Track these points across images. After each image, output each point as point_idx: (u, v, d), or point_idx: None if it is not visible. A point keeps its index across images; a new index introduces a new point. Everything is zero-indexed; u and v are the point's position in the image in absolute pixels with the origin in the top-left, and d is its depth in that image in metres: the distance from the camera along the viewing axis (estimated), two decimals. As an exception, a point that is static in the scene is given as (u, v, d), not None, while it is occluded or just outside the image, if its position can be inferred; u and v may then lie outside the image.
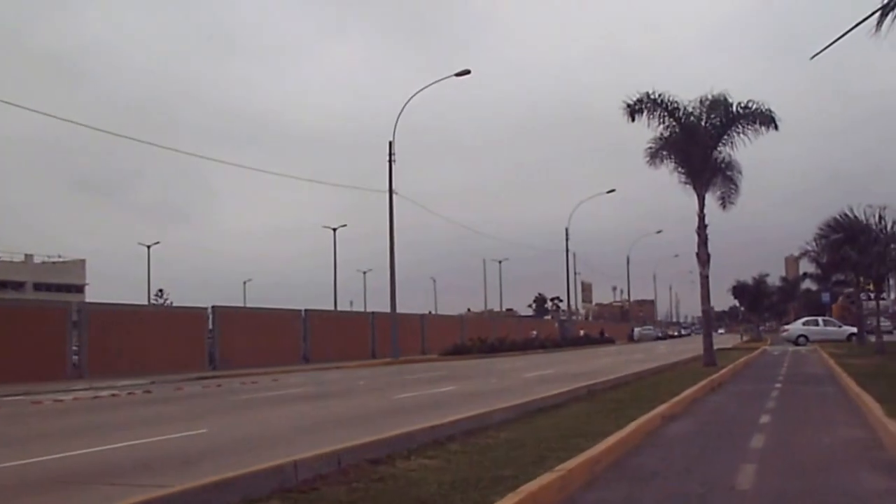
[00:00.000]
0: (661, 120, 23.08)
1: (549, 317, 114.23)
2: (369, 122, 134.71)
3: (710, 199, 24.03)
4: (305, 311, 38.47)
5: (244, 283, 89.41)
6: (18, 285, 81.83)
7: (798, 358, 28.99)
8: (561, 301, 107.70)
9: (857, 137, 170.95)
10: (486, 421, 9.45)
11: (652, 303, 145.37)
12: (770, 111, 22.31)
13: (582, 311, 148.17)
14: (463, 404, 12.59)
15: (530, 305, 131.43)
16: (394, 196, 38.12)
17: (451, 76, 37.22)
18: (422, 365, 32.79)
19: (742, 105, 22.46)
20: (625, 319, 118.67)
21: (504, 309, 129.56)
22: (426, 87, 37.92)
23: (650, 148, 23.83)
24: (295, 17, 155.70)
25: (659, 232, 78.26)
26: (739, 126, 22.71)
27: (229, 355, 31.57)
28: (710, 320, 24.31)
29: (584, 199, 63.26)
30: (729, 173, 24.12)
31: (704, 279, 23.16)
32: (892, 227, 16.45)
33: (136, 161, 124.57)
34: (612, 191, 61.61)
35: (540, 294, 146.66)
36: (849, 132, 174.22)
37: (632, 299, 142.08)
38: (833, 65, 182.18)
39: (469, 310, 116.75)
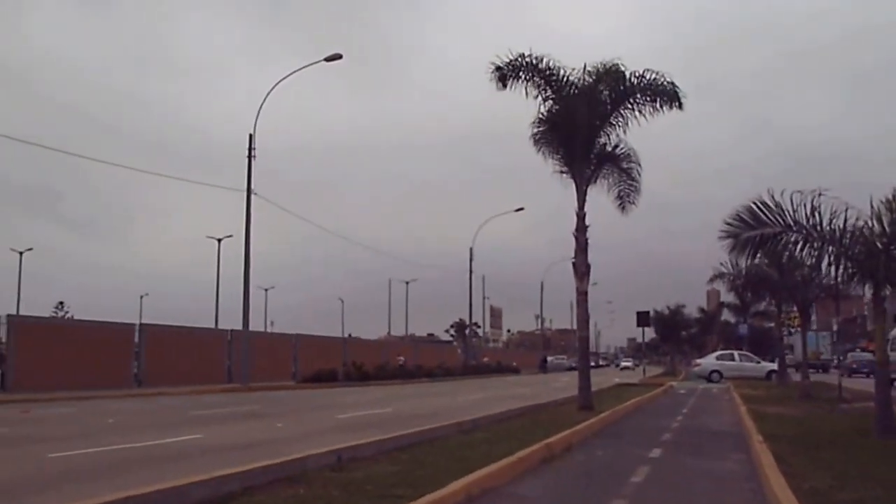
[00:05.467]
0: (541, 90, 17.85)
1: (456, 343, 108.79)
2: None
3: (599, 195, 19.00)
4: (140, 325, 32.29)
5: (140, 297, 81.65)
6: None
7: (704, 401, 24.00)
8: (478, 327, 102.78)
9: (766, 170, 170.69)
10: None
11: (573, 332, 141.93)
12: (673, 84, 17.27)
13: (503, 338, 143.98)
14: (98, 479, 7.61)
15: (447, 330, 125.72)
16: (253, 197, 32.55)
17: (321, 61, 32.15)
18: (258, 394, 27.03)
19: (638, 75, 17.39)
20: (546, 348, 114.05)
21: (426, 334, 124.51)
22: (291, 74, 33.01)
23: (535, 133, 18.57)
24: (226, 36, 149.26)
25: (572, 260, 73.48)
26: (634, 102, 17.61)
27: (28, 375, 25.89)
28: (588, 351, 18.92)
29: (490, 217, 58.47)
30: (626, 165, 19.00)
31: (582, 297, 17.84)
32: (830, 224, 11.18)
33: (61, 173, 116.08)
34: (521, 209, 56.89)
35: (460, 319, 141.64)
36: (759, 164, 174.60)
37: (554, 328, 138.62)
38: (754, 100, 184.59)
39: (388, 333, 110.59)
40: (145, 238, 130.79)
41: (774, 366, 37.70)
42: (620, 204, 19.37)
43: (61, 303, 79.53)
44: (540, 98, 17.86)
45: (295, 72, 32.76)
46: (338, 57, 32.05)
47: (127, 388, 28.46)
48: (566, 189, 18.09)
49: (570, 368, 72.31)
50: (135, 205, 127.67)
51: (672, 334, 61.75)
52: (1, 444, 11.55)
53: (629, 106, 17.52)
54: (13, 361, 26.14)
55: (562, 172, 18.05)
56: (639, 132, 18.22)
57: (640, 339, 53.05)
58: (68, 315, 69.95)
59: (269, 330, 61.17)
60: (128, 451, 10.51)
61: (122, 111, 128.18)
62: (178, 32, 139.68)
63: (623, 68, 17.36)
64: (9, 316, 27.69)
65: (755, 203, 11.72)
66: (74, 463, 9.37)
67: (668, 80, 17.30)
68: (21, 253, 65.14)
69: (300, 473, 7.56)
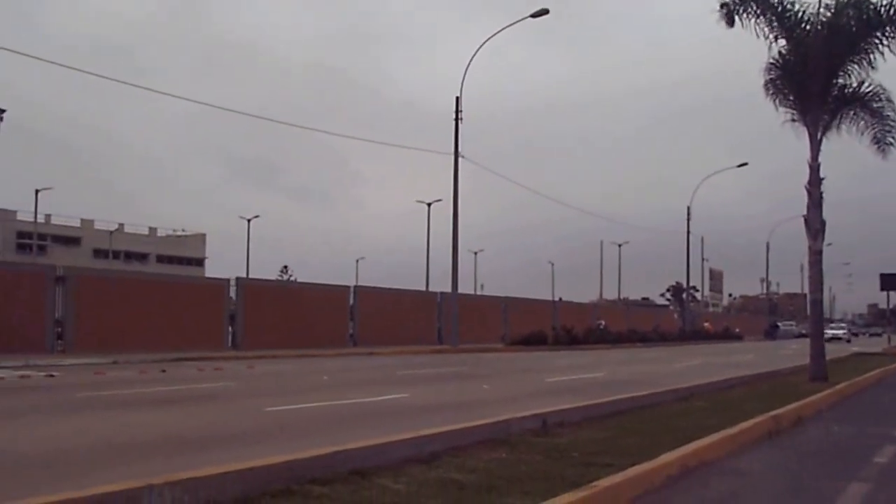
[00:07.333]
0: (772, 28, 16.17)
1: (672, 307, 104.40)
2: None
3: (836, 145, 17.08)
4: (355, 287, 33.91)
5: (357, 261, 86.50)
6: (142, 257, 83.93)
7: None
8: (697, 290, 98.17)
9: None
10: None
11: (803, 297, 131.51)
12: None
13: (724, 303, 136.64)
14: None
15: (663, 294, 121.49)
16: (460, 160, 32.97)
17: (527, 18, 31.53)
18: (467, 356, 27.42)
19: (886, 2, 15.22)
20: (772, 313, 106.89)
21: (640, 297, 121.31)
22: (496, 33, 33.01)
23: (766, 78, 16.92)
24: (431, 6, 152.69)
25: (804, 216, 67.58)
26: (883, 35, 15.48)
27: (254, 334, 27.88)
28: (822, 316, 17.02)
29: (710, 174, 55.18)
30: (877, 105, 16.78)
31: (815, 257, 16.14)
32: None
33: (286, 146, 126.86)
34: (745, 164, 53.03)
35: (677, 282, 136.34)
36: None
37: (781, 292, 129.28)
38: None
39: (601, 297, 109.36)
40: (362, 204, 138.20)
41: None
42: (879, 147, 17.14)
43: (285, 266, 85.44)
44: (771, 38, 16.29)
45: (501, 31, 32.61)
46: (544, 12, 31.27)
47: (342, 348, 29.68)
48: (798, 140, 16.47)
49: (800, 335, 67.03)
50: (352, 172, 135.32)
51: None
52: (227, 397, 12.38)
53: (876, 40, 15.47)
54: (242, 321, 28.09)
55: (793, 120, 16.41)
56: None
57: (883, 305, 47.65)
58: (292, 278, 74.75)
59: (478, 293, 62.30)
60: (338, 407, 10.86)
61: (335, 82, 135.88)
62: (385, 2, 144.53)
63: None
64: (238, 279, 29.79)
65: None
66: (289, 417, 9.76)
67: None
68: (249, 220, 70.23)
69: (503, 437, 7.35)
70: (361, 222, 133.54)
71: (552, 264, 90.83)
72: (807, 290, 18.09)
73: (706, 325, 59.86)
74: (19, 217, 70.08)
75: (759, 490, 6.01)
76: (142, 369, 17.56)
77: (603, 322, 45.28)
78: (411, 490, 5.09)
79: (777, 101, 16.80)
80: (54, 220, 77.04)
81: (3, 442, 7.26)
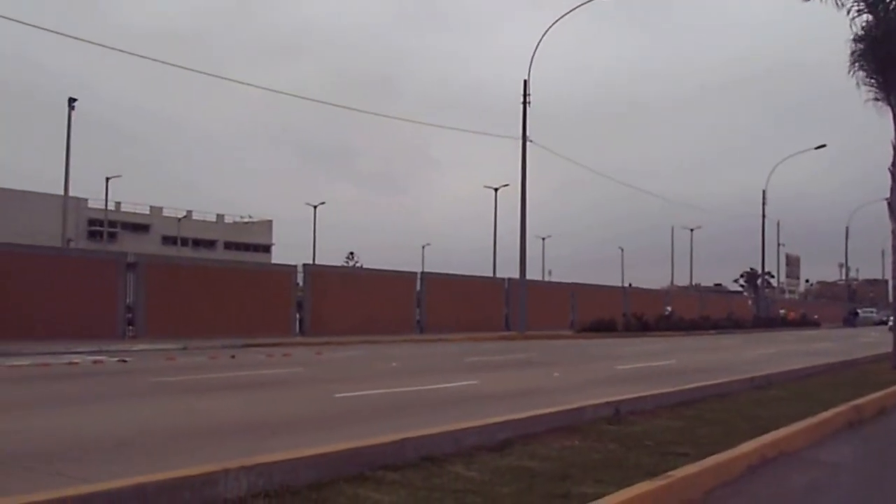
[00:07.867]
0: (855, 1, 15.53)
1: (746, 293, 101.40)
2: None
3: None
4: (422, 273, 33.94)
5: (423, 247, 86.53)
6: (210, 244, 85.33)
7: None
8: (772, 276, 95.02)
9: None
10: None
11: (884, 283, 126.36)
12: None
13: (801, 289, 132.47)
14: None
15: (736, 280, 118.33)
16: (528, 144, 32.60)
17: (593, -1, 30.83)
18: (535, 343, 27.30)
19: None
20: (851, 300, 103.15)
21: (713, 284, 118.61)
22: (564, 15, 32.19)
23: (851, 55, 16.25)
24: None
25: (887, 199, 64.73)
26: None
27: (322, 320, 28.21)
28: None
29: (786, 156, 53.38)
30: None
31: (899, 239, 15.52)
32: None
33: (351, 131, 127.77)
34: (823, 146, 51.07)
35: (751, 268, 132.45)
36: None
37: (861, 278, 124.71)
38: None
39: (672, 283, 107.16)
40: (428, 189, 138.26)
41: None
42: None
43: (351, 253, 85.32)
44: (854, 12, 15.63)
45: (570, 12, 32.01)
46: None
47: (409, 334, 29.64)
48: (881, 118, 15.79)
49: (881, 323, 64.53)
50: (418, 158, 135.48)
51: None
52: (296, 383, 12.41)
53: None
54: (309, 307, 28.26)
55: (876, 99, 15.72)
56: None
57: None
58: (357, 264, 74.20)
59: (546, 279, 61.80)
60: (408, 394, 10.75)
61: (404, 68, 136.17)
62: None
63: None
64: (305, 265, 29.91)
65: None
66: (358, 403, 9.71)
67: None
68: (315, 207, 70.20)
69: (575, 424, 7.26)
70: (427, 208, 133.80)
71: (622, 249, 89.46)
72: (888, 276, 17.39)
73: (784, 311, 58.18)
74: (90, 205, 71.80)
75: (841, 482, 5.81)
76: (211, 355, 17.78)
77: (670, 308, 44.43)
78: (484, 478, 5.07)
79: (859, 78, 16.15)
80: (124, 208, 78.89)
81: (79, 426, 7.46)
